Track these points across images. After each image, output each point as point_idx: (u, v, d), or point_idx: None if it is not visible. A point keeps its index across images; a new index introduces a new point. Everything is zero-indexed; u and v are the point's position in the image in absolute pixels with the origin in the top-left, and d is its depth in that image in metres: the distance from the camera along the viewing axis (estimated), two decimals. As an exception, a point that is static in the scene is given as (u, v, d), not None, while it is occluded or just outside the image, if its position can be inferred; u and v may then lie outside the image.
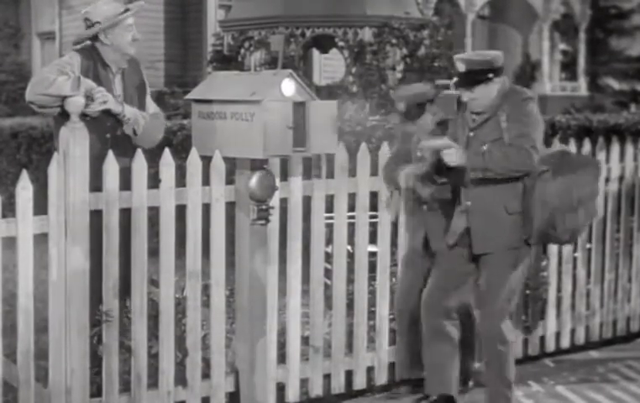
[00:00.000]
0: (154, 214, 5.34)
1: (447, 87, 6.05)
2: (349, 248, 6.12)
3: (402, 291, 5.98)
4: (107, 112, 5.60)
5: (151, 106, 5.93)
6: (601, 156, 7.15)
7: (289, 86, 5.40)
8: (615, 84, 26.41)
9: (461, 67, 5.40)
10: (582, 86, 25.17)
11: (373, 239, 6.19)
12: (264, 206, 5.48)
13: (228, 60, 14.18)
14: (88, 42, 5.78)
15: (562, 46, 26.17)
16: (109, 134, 5.62)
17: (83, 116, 5.24)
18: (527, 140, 5.27)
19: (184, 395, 5.48)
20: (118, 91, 5.75)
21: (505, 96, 5.42)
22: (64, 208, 5.04)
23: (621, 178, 7.35)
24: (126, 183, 5.23)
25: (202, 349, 5.53)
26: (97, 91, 5.50)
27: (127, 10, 5.75)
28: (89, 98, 5.44)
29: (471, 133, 5.44)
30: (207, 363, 5.58)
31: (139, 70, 5.93)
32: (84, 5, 6.06)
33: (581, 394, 6.22)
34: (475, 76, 5.38)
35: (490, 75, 5.39)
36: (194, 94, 5.76)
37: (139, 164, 5.24)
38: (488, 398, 5.58)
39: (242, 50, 14.25)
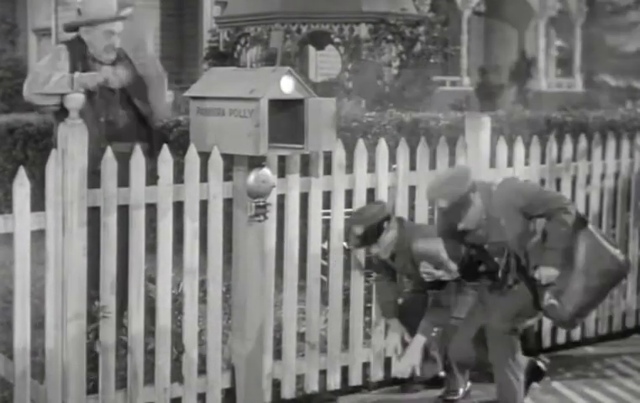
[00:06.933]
0: (151, 210, 5.35)
1: None
2: (346, 244, 6.12)
3: None
4: (101, 95, 5.62)
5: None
6: (597, 152, 7.18)
7: (288, 83, 5.40)
8: (611, 80, 26.38)
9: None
10: (578, 83, 25.15)
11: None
12: (261, 203, 5.49)
13: (224, 57, 14.15)
14: (75, 34, 5.79)
15: (558, 42, 26.16)
16: (103, 118, 5.63)
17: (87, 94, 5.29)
18: None
19: (180, 391, 5.49)
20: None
21: None
22: (61, 205, 5.04)
23: (616, 174, 7.37)
24: (121, 168, 5.19)
25: (199, 345, 5.54)
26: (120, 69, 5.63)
27: (119, 18, 5.73)
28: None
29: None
30: (203, 359, 5.59)
31: (133, 68, 5.92)
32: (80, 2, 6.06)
33: (577, 390, 6.23)
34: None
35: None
36: (193, 91, 5.76)
37: (137, 160, 5.24)
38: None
39: (238, 47, 14.22)
